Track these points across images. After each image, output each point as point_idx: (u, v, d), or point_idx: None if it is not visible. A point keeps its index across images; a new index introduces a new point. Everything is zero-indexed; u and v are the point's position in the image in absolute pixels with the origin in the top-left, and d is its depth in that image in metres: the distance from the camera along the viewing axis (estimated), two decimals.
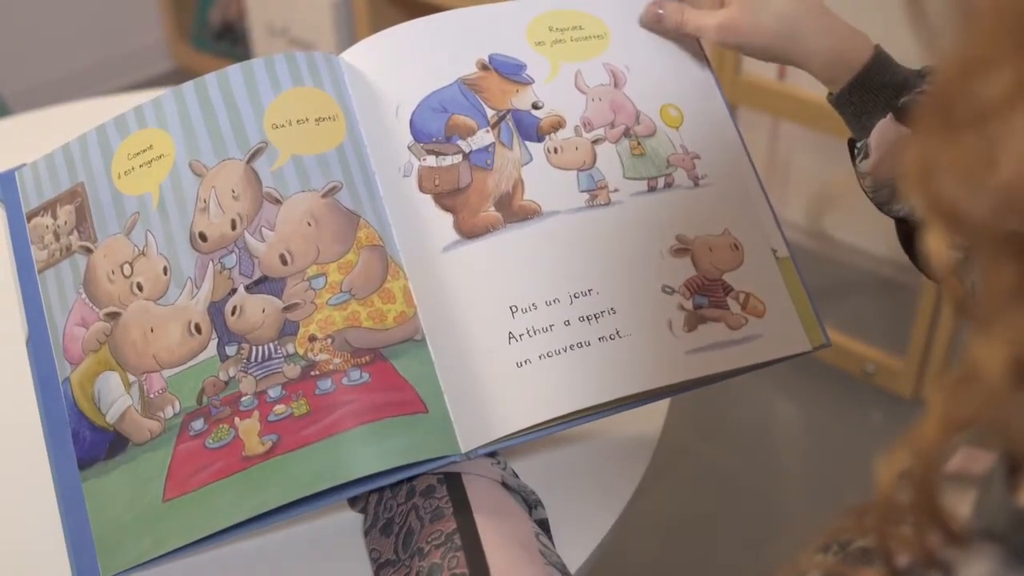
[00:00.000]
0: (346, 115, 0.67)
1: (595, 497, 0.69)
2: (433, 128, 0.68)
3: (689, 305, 0.66)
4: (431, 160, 0.67)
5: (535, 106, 0.70)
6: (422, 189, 0.67)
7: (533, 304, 0.64)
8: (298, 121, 0.66)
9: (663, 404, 0.75)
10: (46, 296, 0.68)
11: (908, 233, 0.70)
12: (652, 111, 0.72)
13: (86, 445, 0.64)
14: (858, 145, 0.70)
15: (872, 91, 0.68)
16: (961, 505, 0.32)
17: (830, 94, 0.71)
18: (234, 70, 0.67)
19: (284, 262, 0.63)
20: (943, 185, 0.28)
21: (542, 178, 0.68)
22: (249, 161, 0.65)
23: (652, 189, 0.69)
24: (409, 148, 0.68)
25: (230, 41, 2.77)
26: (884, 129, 0.67)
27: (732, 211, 0.70)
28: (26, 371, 0.66)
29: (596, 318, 0.64)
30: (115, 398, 0.64)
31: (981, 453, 0.34)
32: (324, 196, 0.64)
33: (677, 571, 1.55)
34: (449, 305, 0.64)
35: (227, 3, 2.74)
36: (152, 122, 0.67)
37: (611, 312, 0.65)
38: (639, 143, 0.70)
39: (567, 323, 0.64)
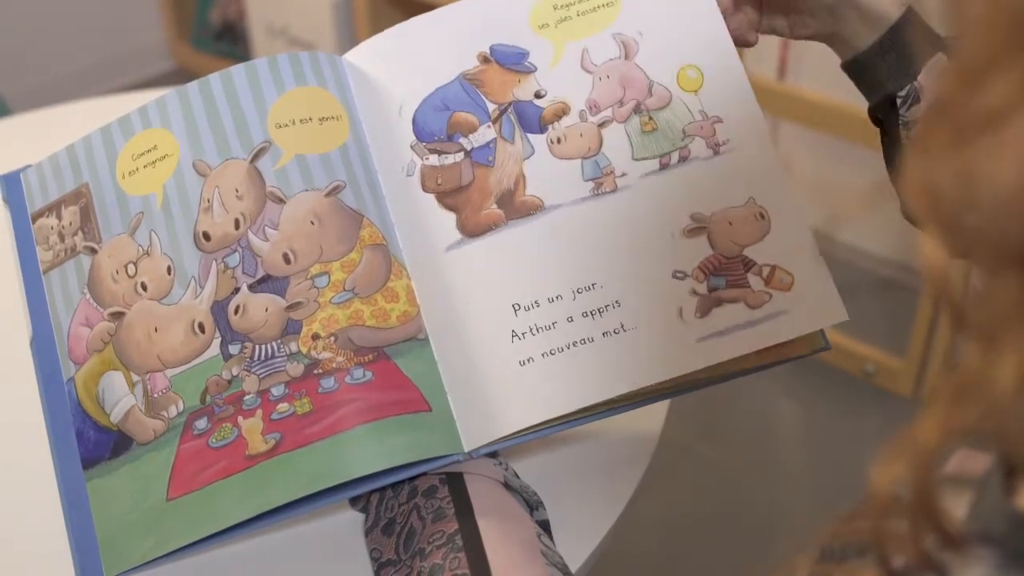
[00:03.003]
0: (349, 115, 0.67)
1: (595, 497, 0.69)
2: (435, 127, 0.68)
3: (703, 288, 0.64)
4: (433, 159, 0.67)
5: (538, 95, 0.68)
6: (425, 188, 0.67)
7: (535, 302, 0.64)
8: (301, 121, 0.66)
9: (663, 404, 0.75)
10: (51, 296, 0.68)
11: None
12: (668, 78, 0.69)
13: (90, 445, 0.64)
14: (900, 95, 0.66)
15: (905, 48, 0.65)
16: (957, 507, 0.32)
17: (850, 60, 0.68)
18: (238, 70, 0.67)
19: (287, 261, 0.63)
20: (944, 195, 0.27)
21: (545, 171, 0.67)
22: (253, 160, 0.65)
23: (665, 167, 0.66)
24: (412, 147, 0.68)
25: (230, 41, 2.77)
26: (938, 69, 0.64)
27: (757, 176, 0.66)
28: (31, 371, 0.67)
29: (600, 313, 0.64)
30: (119, 398, 0.64)
31: (977, 454, 0.34)
32: (327, 195, 0.64)
33: (677, 571, 1.56)
34: (452, 304, 0.64)
35: (227, 3, 2.74)
36: (156, 122, 0.67)
37: (616, 305, 0.64)
38: (651, 118, 0.68)
39: (570, 319, 0.63)
